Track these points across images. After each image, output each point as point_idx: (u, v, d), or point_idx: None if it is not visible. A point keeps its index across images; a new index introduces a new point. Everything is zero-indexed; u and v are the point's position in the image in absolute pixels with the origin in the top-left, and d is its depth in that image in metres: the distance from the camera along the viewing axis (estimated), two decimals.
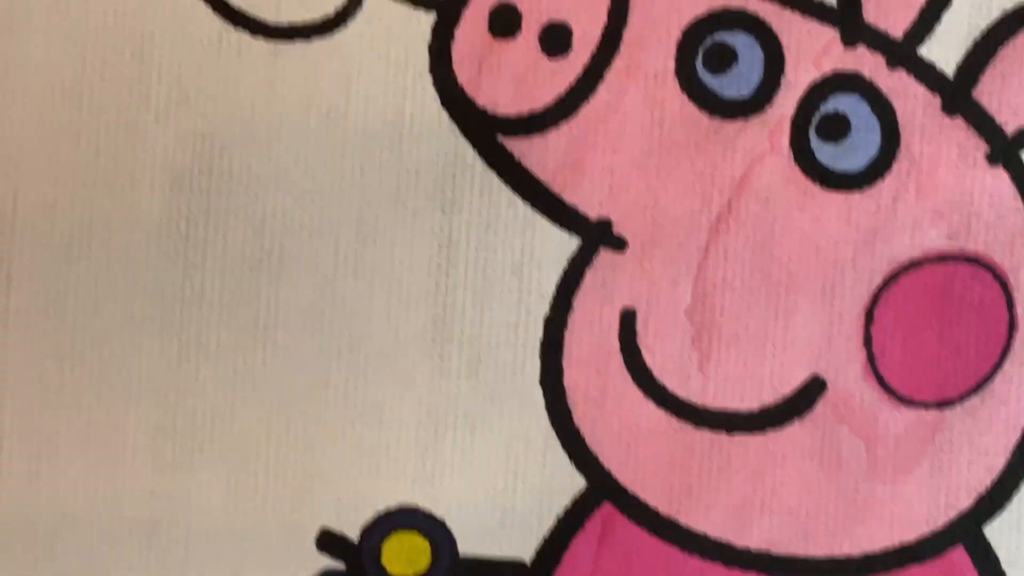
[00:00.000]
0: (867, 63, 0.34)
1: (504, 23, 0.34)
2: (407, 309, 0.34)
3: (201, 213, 0.34)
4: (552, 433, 0.34)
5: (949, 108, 0.34)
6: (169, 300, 0.34)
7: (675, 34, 0.34)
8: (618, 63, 0.34)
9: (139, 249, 0.34)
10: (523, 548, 0.34)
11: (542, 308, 0.34)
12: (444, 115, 0.34)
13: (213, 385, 0.34)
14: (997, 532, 0.34)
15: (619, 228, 0.34)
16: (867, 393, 0.34)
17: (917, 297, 0.34)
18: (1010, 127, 0.34)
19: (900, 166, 0.34)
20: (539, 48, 0.34)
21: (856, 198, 0.34)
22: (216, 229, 0.34)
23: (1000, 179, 0.34)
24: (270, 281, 0.34)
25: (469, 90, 0.34)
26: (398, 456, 0.34)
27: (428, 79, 0.34)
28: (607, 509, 0.34)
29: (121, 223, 0.34)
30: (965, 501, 0.34)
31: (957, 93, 0.34)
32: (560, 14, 0.34)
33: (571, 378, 0.34)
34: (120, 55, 0.34)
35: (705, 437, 0.34)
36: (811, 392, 0.34)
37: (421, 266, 0.34)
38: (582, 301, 0.34)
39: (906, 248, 0.34)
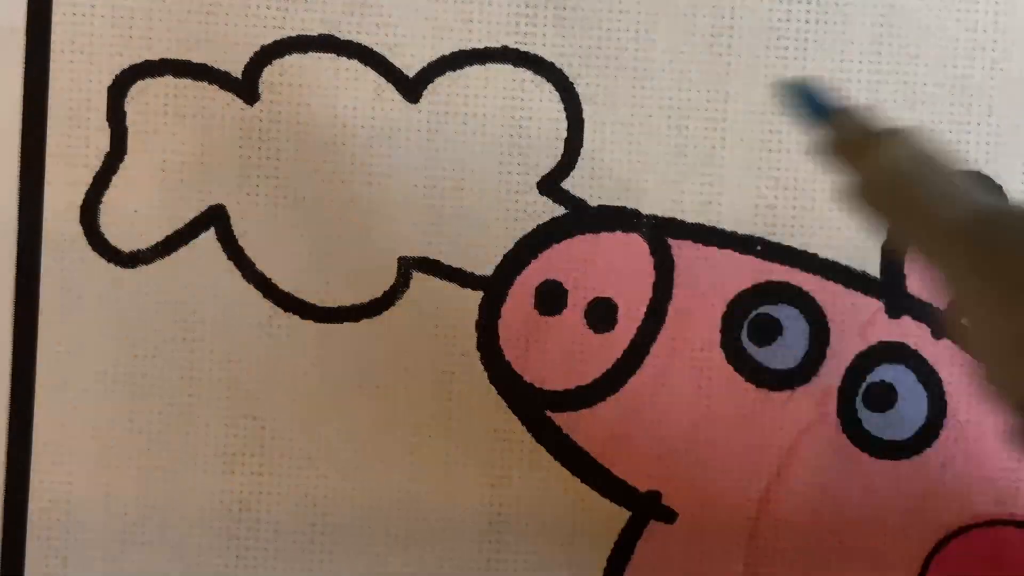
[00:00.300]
0: (912, 333, 0.34)
1: (550, 300, 0.34)
2: None
3: (253, 494, 0.34)
4: None
5: None
6: None
7: (720, 307, 0.34)
8: (663, 336, 0.34)
9: (192, 532, 0.34)
10: None
11: None
12: (492, 391, 0.34)
13: None
14: None
15: (669, 500, 0.34)
16: None
17: (967, 562, 0.34)
18: None
19: (947, 434, 0.34)
20: (585, 324, 0.34)
21: (905, 465, 0.34)
22: (268, 509, 0.34)
23: None
24: (322, 559, 0.34)
25: (517, 366, 0.34)
26: None
27: (476, 356, 0.34)
28: None
29: (174, 507, 0.34)
30: None
31: None
32: (606, 290, 0.34)
33: None
34: (170, 341, 0.34)
35: None
36: None
37: (471, 541, 0.34)
38: (633, 575, 0.34)
39: (955, 514, 0.34)
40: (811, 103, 0.25)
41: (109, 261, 0.34)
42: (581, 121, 0.34)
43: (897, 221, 0.23)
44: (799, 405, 0.34)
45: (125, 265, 0.34)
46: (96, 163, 0.34)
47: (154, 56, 0.34)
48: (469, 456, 0.34)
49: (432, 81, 0.34)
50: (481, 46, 0.34)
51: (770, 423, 0.34)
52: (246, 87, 0.34)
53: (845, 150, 0.24)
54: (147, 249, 0.34)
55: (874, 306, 0.34)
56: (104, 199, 0.34)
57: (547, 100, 0.34)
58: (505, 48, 0.34)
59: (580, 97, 0.34)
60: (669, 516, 0.34)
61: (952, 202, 0.22)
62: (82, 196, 0.34)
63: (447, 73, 0.34)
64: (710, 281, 0.34)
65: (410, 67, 0.34)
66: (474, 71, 0.34)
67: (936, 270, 0.22)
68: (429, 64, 0.34)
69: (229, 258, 0.34)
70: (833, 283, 0.34)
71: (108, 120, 0.34)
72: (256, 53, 0.34)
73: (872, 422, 0.34)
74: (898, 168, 0.23)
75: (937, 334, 0.34)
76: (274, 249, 0.34)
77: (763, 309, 0.34)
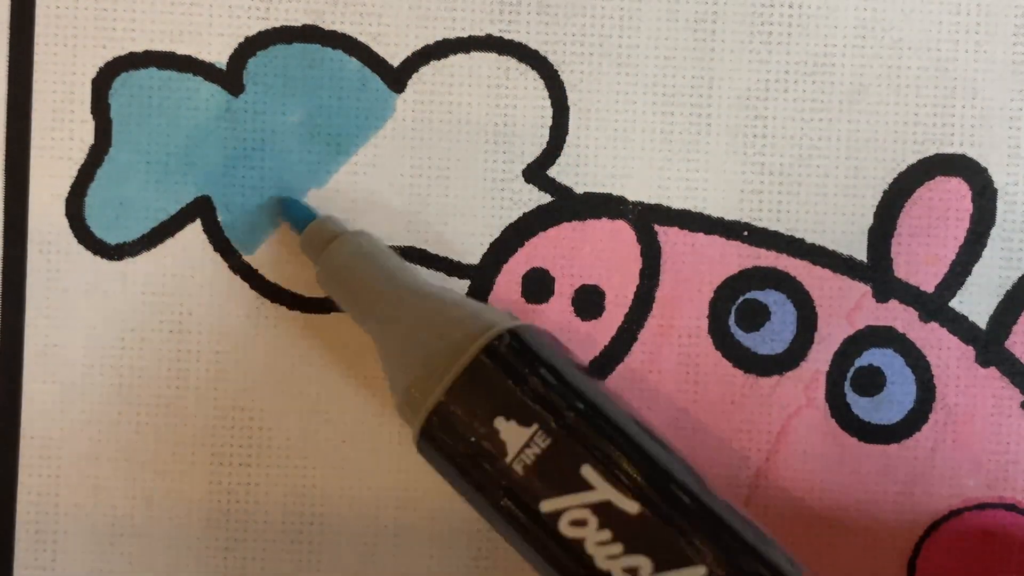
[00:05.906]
0: (900, 317, 0.34)
1: (537, 288, 0.34)
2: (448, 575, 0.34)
3: (242, 486, 0.34)
4: None
5: (983, 359, 0.34)
6: (211, 575, 0.34)
7: (707, 293, 0.34)
8: (651, 323, 0.34)
9: (181, 524, 0.34)
10: None
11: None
12: None
13: None
14: None
15: None
16: None
17: (958, 545, 0.34)
18: None
19: (936, 417, 0.34)
20: (573, 311, 0.34)
21: (894, 450, 0.34)
22: (257, 502, 0.34)
23: None
24: (311, 551, 0.34)
25: None
26: None
27: None
28: None
29: (163, 499, 0.34)
30: None
31: (990, 344, 0.34)
32: (592, 278, 0.34)
33: None
34: (158, 332, 0.34)
35: None
36: None
37: (461, 530, 0.34)
38: None
39: (945, 498, 0.34)
40: (290, 212, 0.33)
41: (95, 254, 0.34)
42: (566, 108, 0.34)
43: (341, 300, 0.32)
44: (787, 390, 0.34)
45: (111, 258, 0.34)
46: (81, 156, 0.34)
47: (138, 48, 0.34)
48: None
49: (417, 70, 0.34)
50: (465, 35, 0.34)
51: (758, 409, 0.34)
52: (231, 78, 0.34)
53: (310, 249, 0.32)
54: (133, 241, 0.34)
55: (861, 290, 0.34)
56: (89, 192, 0.34)
57: (532, 88, 0.34)
58: (489, 36, 0.34)
59: (565, 84, 0.34)
60: None
61: (380, 281, 0.32)
62: (67, 189, 0.34)
63: (431, 62, 0.34)
64: (697, 267, 0.34)
65: (394, 57, 0.34)
66: (458, 60, 0.34)
67: (370, 333, 0.32)
68: (413, 53, 0.34)
69: (215, 249, 0.34)
70: (820, 268, 0.34)
71: (92, 112, 0.34)
72: (240, 44, 0.34)
73: (861, 406, 0.34)
74: (338, 262, 0.32)
75: (925, 318, 0.34)
76: (260, 240, 0.34)
77: (750, 295, 0.34)
